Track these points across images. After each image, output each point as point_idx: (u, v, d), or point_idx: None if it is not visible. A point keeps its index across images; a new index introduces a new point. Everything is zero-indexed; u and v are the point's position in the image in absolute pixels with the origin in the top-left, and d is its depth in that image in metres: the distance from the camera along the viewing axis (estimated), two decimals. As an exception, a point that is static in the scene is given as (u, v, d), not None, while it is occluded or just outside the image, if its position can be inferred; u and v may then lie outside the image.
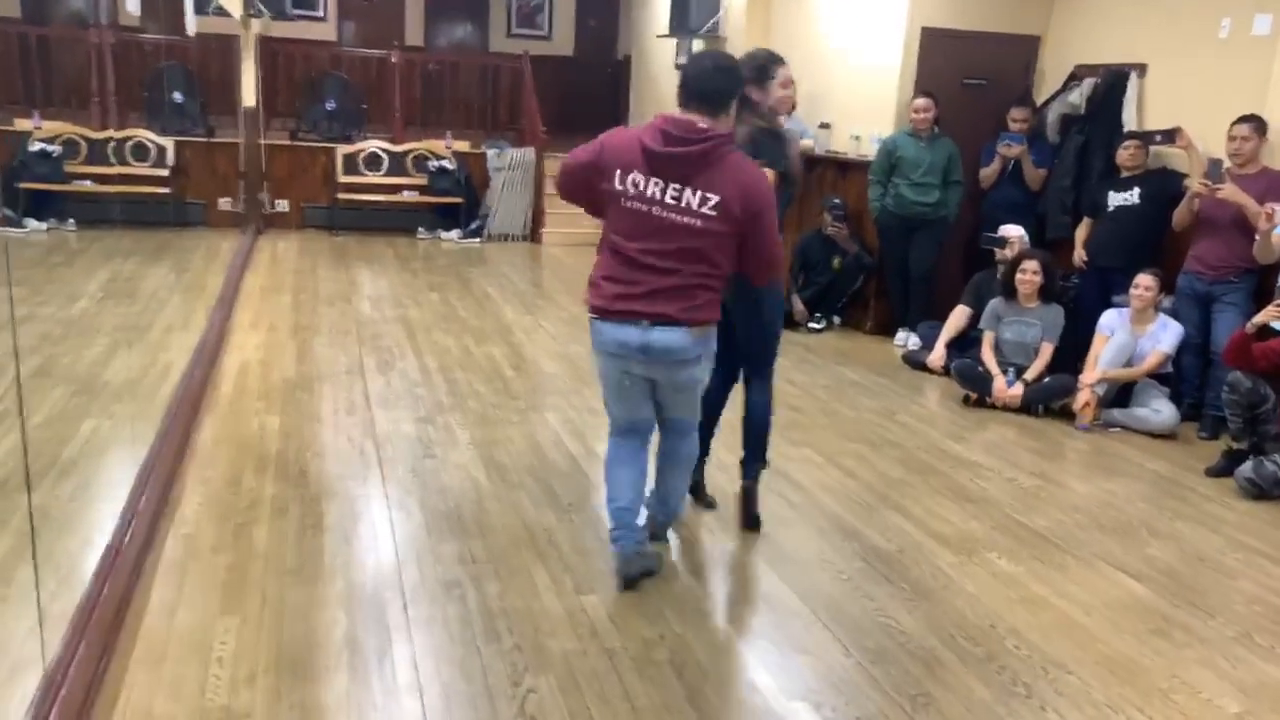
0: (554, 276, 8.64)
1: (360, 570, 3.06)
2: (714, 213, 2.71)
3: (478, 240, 9.96)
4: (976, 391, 5.43)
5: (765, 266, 2.92)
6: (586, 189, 2.89)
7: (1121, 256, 5.62)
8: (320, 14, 12.37)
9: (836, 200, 6.81)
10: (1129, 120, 6.08)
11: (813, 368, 5.93)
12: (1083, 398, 5.13)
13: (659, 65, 10.19)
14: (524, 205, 10.15)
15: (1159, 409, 5.06)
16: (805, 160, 7.46)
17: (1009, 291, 5.52)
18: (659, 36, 9.65)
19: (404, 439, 4.26)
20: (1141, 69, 6.08)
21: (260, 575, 2.96)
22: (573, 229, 10.17)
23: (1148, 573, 3.43)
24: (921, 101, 6.33)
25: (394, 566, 3.08)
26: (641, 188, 2.75)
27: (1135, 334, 5.17)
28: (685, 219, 2.72)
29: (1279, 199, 4.82)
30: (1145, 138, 5.74)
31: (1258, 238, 4.79)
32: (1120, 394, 5.22)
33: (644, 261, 2.77)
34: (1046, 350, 5.37)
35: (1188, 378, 5.30)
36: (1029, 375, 5.32)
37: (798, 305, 6.81)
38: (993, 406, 5.34)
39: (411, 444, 4.21)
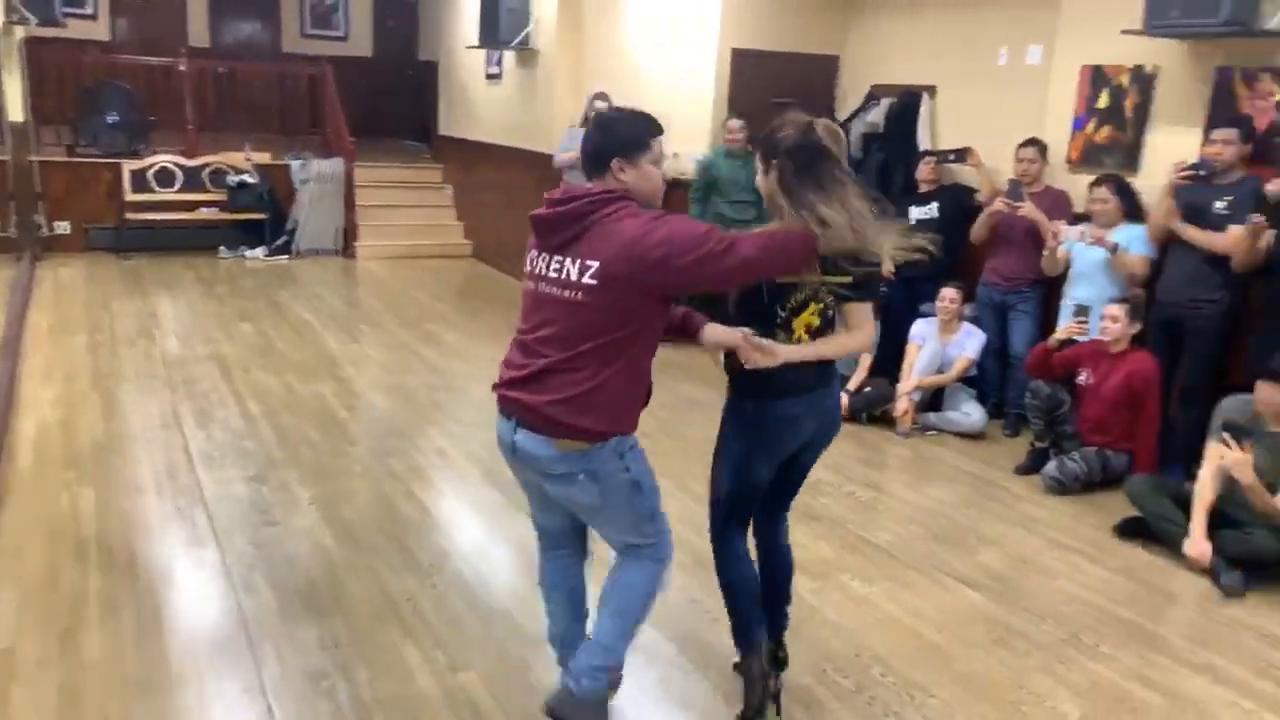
0: (374, 295, 8.35)
1: (213, 671, 2.85)
2: (594, 281, 2.25)
3: (285, 257, 9.49)
4: (805, 403, 5.66)
5: (737, 272, 2.32)
6: None
7: (925, 267, 5.86)
8: (90, 11, 11.40)
9: (660, 216, 6.91)
10: (923, 139, 6.49)
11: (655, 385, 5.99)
12: (901, 405, 5.45)
13: (469, 74, 10.01)
14: (334, 219, 9.76)
15: (969, 412, 5.44)
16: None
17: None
18: (469, 48, 9.46)
19: (238, 504, 4.01)
20: (932, 90, 6.49)
21: (98, 693, 2.71)
22: (389, 241, 9.90)
23: (983, 581, 3.70)
24: (735, 122, 6.53)
25: (251, 662, 2.90)
26: (534, 264, 2.40)
27: (943, 342, 5.54)
28: (567, 293, 2.29)
29: (1062, 215, 5.29)
30: (940, 156, 6.14)
31: (1045, 252, 5.22)
32: (933, 398, 5.58)
33: (529, 345, 2.38)
34: (866, 360, 5.66)
35: (990, 380, 5.73)
36: (851, 385, 5.60)
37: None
38: (821, 416, 5.58)
39: (247, 510, 3.97)
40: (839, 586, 3.59)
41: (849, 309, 2.59)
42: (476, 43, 8.98)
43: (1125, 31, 4.77)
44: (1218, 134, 4.54)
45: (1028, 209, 5.26)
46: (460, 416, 5.31)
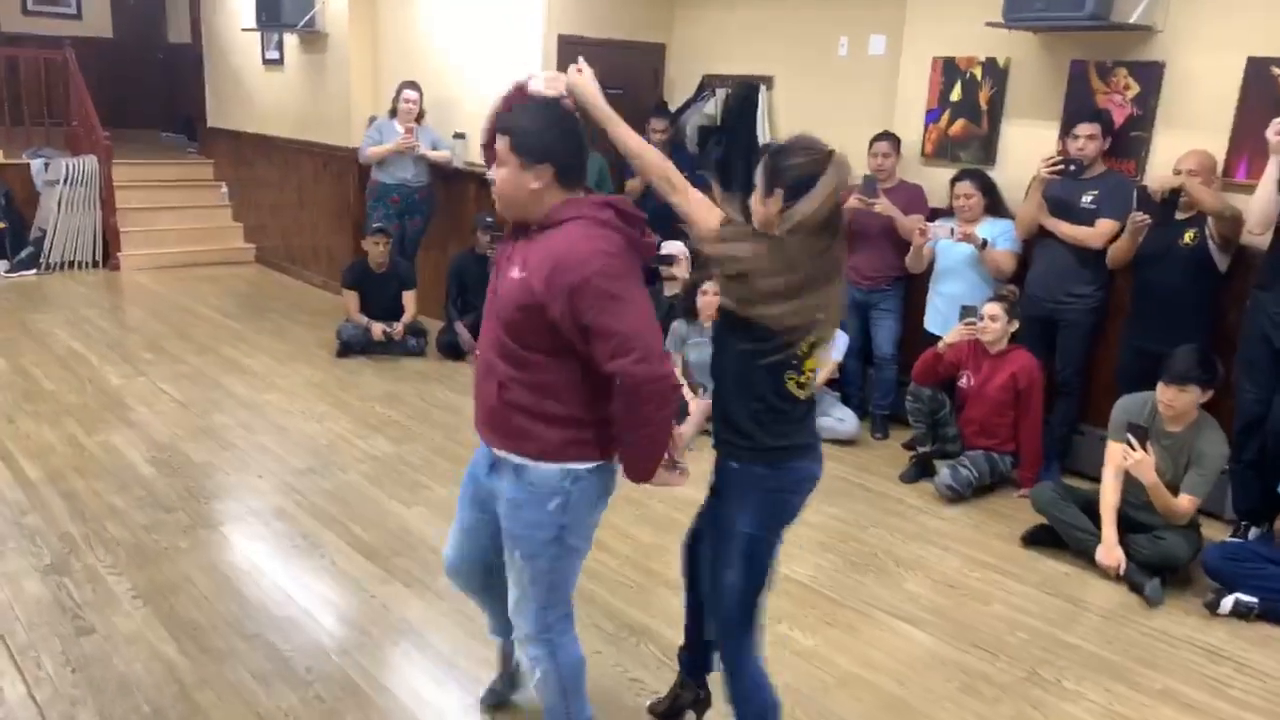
0: (151, 315, 7.21)
1: None
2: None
3: (33, 272, 8.13)
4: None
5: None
6: None
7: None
8: None
9: (489, 219, 6.34)
10: (763, 133, 6.28)
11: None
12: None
13: (242, 58, 8.91)
14: (90, 225, 8.44)
15: (842, 418, 5.28)
16: (443, 174, 6.94)
17: (690, 313, 5.46)
18: (245, 30, 8.40)
19: (36, 608, 3.17)
20: (769, 81, 6.29)
21: None
22: (158, 249, 8.76)
23: (921, 615, 3.47)
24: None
25: None
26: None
27: (809, 345, 5.34)
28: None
29: (919, 210, 5.21)
30: (784, 151, 5.93)
31: (912, 249, 5.11)
32: (801, 404, 5.38)
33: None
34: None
35: (852, 380, 5.61)
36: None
37: (463, 333, 6.31)
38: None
39: (50, 614, 3.14)
40: (780, 640, 3.24)
41: None
42: (253, 24, 7.97)
43: (989, 24, 4.70)
44: (1081, 128, 4.54)
45: (883, 205, 5.14)
46: (292, 462, 4.56)
